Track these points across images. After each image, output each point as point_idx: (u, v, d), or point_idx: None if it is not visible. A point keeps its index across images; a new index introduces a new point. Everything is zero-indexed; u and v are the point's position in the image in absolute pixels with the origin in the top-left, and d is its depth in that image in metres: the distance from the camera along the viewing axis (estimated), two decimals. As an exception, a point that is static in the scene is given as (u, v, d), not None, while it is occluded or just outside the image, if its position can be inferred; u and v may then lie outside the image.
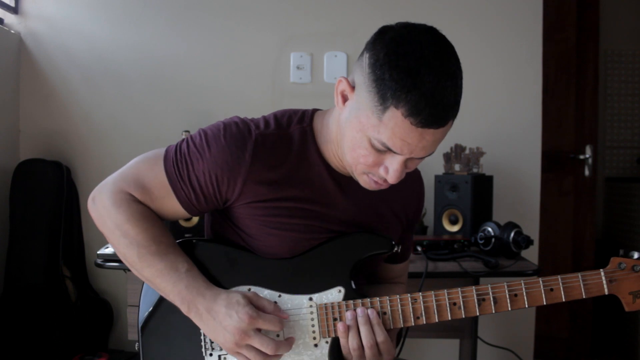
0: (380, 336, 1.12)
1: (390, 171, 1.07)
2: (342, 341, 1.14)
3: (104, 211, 1.15)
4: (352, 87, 1.07)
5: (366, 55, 1.04)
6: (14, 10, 2.64)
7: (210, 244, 1.24)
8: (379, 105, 1.00)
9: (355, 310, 1.14)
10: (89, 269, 2.63)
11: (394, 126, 1.00)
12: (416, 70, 0.98)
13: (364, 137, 1.05)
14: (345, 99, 1.09)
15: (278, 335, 1.14)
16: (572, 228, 3.30)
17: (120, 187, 1.15)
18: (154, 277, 1.13)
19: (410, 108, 0.98)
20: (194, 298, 1.11)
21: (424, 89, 0.98)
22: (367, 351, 1.12)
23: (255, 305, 1.11)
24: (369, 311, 1.13)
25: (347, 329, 1.13)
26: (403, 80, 0.98)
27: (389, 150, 1.04)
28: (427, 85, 0.98)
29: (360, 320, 1.13)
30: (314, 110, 1.22)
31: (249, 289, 1.17)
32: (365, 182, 1.13)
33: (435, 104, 0.98)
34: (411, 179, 1.31)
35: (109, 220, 1.15)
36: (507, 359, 2.61)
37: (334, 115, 1.16)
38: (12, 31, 2.62)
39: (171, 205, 1.16)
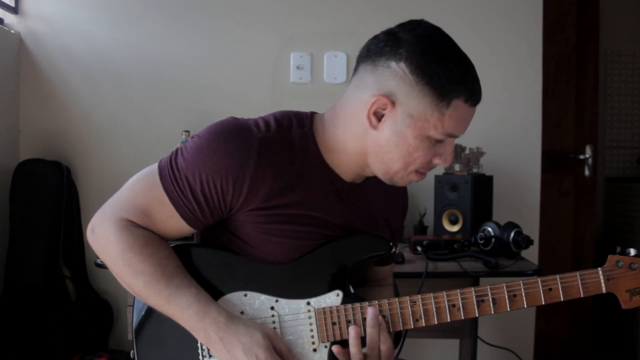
0: (386, 343, 1.12)
1: (446, 155, 1.12)
2: (352, 349, 1.12)
3: (105, 241, 1.10)
4: (393, 103, 1.06)
5: (398, 65, 1.05)
6: (14, 10, 2.64)
7: (205, 249, 1.20)
8: (441, 102, 1.04)
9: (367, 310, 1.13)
10: (89, 269, 2.63)
11: (459, 114, 1.06)
12: (457, 57, 1.06)
13: (424, 139, 1.08)
14: (379, 117, 1.08)
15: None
16: (572, 228, 3.30)
17: (119, 214, 1.10)
18: (162, 305, 1.09)
19: (468, 92, 1.06)
20: (205, 325, 1.07)
21: (469, 71, 1.07)
22: (370, 352, 1.12)
23: (273, 346, 1.08)
24: (381, 317, 1.13)
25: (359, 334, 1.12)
26: (454, 71, 1.04)
27: (449, 137, 1.09)
28: (468, 67, 1.07)
29: (370, 323, 1.12)
30: (313, 114, 1.20)
31: (245, 295, 1.14)
32: (412, 179, 1.14)
33: (478, 80, 1.09)
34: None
35: (110, 250, 1.10)
36: (507, 359, 2.61)
37: (348, 129, 1.13)
38: (12, 31, 2.62)
39: (174, 224, 1.11)
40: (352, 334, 1.12)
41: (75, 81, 2.66)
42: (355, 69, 1.14)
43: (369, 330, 1.12)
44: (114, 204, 1.12)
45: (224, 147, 1.08)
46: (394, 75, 1.05)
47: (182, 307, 1.08)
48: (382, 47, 1.08)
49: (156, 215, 1.11)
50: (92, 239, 1.13)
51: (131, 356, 1.19)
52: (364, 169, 1.17)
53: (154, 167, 1.13)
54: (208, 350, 1.14)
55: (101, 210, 1.13)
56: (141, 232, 1.11)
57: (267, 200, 1.11)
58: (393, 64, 1.05)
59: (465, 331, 2.26)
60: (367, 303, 1.14)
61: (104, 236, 1.11)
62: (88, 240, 1.15)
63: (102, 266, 1.98)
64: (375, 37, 1.12)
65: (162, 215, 1.11)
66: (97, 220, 1.13)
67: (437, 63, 1.04)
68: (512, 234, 2.04)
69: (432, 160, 1.11)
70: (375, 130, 1.09)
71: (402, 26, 1.09)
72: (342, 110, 1.15)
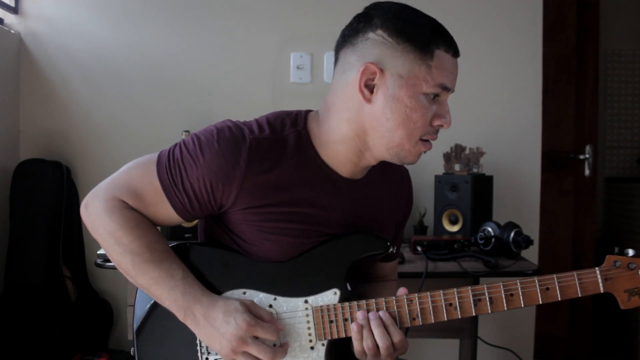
0: (397, 336, 1.12)
1: (444, 114, 1.13)
2: (355, 343, 1.13)
3: (97, 218, 1.14)
4: (381, 70, 1.09)
5: (376, 33, 1.10)
6: (14, 10, 2.64)
7: (204, 247, 1.23)
8: (424, 55, 1.08)
9: (367, 312, 1.13)
10: (89, 269, 2.63)
11: (443, 64, 1.10)
12: (427, 16, 1.12)
13: (419, 97, 1.10)
14: (370, 89, 1.11)
15: (275, 345, 1.14)
16: (572, 228, 3.30)
17: (112, 194, 1.14)
18: (149, 285, 1.12)
19: (445, 42, 1.11)
20: (190, 305, 1.10)
21: (441, 26, 1.12)
22: (383, 351, 1.12)
23: (253, 314, 1.10)
24: (381, 313, 1.13)
25: (361, 328, 1.12)
26: (428, 25, 1.10)
27: (443, 90, 1.11)
28: (438, 23, 1.12)
29: (374, 323, 1.12)
30: (307, 112, 1.22)
31: (244, 293, 1.16)
32: (420, 149, 1.15)
33: (451, 35, 1.13)
34: (400, 178, 1.35)
35: (101, 228, 1.14)
36: (507, 359, 2.61)
37: (341, 115, 1.15)
38: (12, 31, 2.62)
39: (165, 211, 1.15)
40: (353, 329, 1.12)
41: (75, 81, 2.66)
42: (336, 60, 1.17)
43: (374, 330, 1.12)
44: (109, 184, 1.16)
45: (216, 147, 1.12)
46: (374, 44, 1.10)
47: (169, 289, 1.11)
48: (355, 26, 1.13)
49: (148, 199, 1.14)
50: (85, 216, 1.17)
51: (131, 353, 1.20)
52: (363, 155, 1.17)
53: (154, 155, 1.17)
54: (207, 347, 1.15)
55: (96, 189, 1.17)
56: (132, 213, 1.14)
57: (260, 198, 1.13)
58: (371, 35, 1.10)
59: (465, 331, 2.26)
60: (365, 301, 1.15)
61: (96, 213, 1.14)
62: (81, 216, 1.18)
63: (102, 266, 1.98)
64: (347, 25, 1.16)
65: (154, 200, 1.14)
66: (91, 197, 1.17)
67: (411, 21, 1.10)
68: (512, 234, 2.04)
69: (432, 122, 1.13)
70: (369, 104, 1.11)
71: (368, 7, 1.15)
72: (332, 100, 1.17)
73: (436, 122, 1.13)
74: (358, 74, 1.10)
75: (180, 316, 1.12)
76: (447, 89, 1.12)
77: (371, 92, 1.11)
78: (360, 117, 1.13)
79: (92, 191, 1.17)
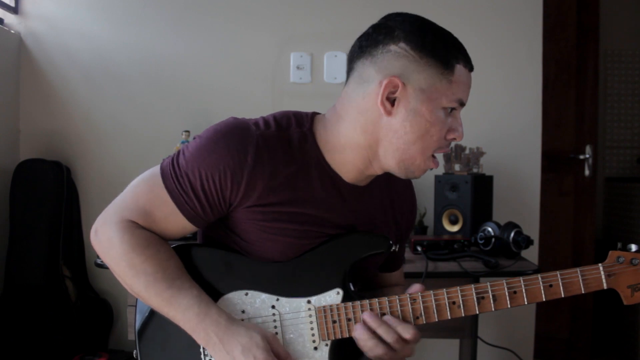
0: (408, 333, 1.10)
1: (457, 126, 1.15)
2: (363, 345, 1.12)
3: (108, 243, 1.11)
4: (403, 83, 1.09)
5: (398, 46, 1.09)
6: (14, 10, 2.64)
7: (205, 248, 1.21)
8: (445, 70, 1.09)
9: (370, 311, 1.13)
10: (89, 269, 2.63)
11: (463, 79, 1.11)
12: (445, 30, 1.13)
13: (439, 112, 1.10)
14: (391, 101, 1.10)
15: (276, 333, 1.14)
16: (572, 228, 3.30)
17: (121, 215, 1.12)
18: (162, 307, 1.10)
19: (463, 58, 1.12)
20: (206, 326, 1.08)
21: (458, 40, 1.13)
22: (394, 345, 1.10)
23: (272, 349, 1.09)
24: (385, 317, 1.12)
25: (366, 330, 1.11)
26: (449, 40, 1.11)
27: (459, 105, 1.13)
28: (455, 37, 1.13)
29: (374, 325, 1.11)
30: (314, 114, 1.21)
31: (246, 294, 1.15)
32: (429, 165, 1.16)
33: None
34: (404, 188, 1.33)
35: (113, 251, 1.11)
36: (507, 359, 2.61)
37: (355, 124, 1.13)
38: (12, 31, 2.62)
39: (176, 222, 1.12)
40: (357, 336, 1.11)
41: (75, 81, 2.66)
42: (350, 69, 1.15)
43: (378, 331, 1.11)
44: (116, 206, 1.14)
45: (222, 144, 1.10)
46: (397, 57, 1.09)
47: (184, 309, 1.09)
48: (375, 37, 1.12)
49: (158, 213, 1.12)
50: (95, 242, 1.14)
51: (134, 355, 1.19)
52: (370, 164, 1.16)
53: (156, 168, 1.15)
54: None
55: (104, 213, 1.15)
56: (143, 233, 1.12)
57: (265, 196, 1.11)
58: (393, 47, 1.09)
59: (465, 331, 2.26)
60: (368, 301, 1.14)
61: (107, 238, 1.12)
62: (91, 243, 1.15)
63: (102, 266, 1.98)
64: (363, 34, 1.15)
65: (164, 213, 1.12)
66: (100, 222, 1.14)
67: (433, 35, 1.10)
68: (512, 234, 2.04)
69: (446, 135, 1.13)
70: (389, 117, 1.10)
71: (386, 18, 1.15)
72: (344, 108, 1.15)
73: (450, 136, 1.14)
74: (380, 87, 1.09)
75: (194, 336, 1.10)
76: (462, 104, 1.13)
77: (392, 104, 1.10)
78: (375, 128, 1.12)
79: (101, 216, 1.15)
